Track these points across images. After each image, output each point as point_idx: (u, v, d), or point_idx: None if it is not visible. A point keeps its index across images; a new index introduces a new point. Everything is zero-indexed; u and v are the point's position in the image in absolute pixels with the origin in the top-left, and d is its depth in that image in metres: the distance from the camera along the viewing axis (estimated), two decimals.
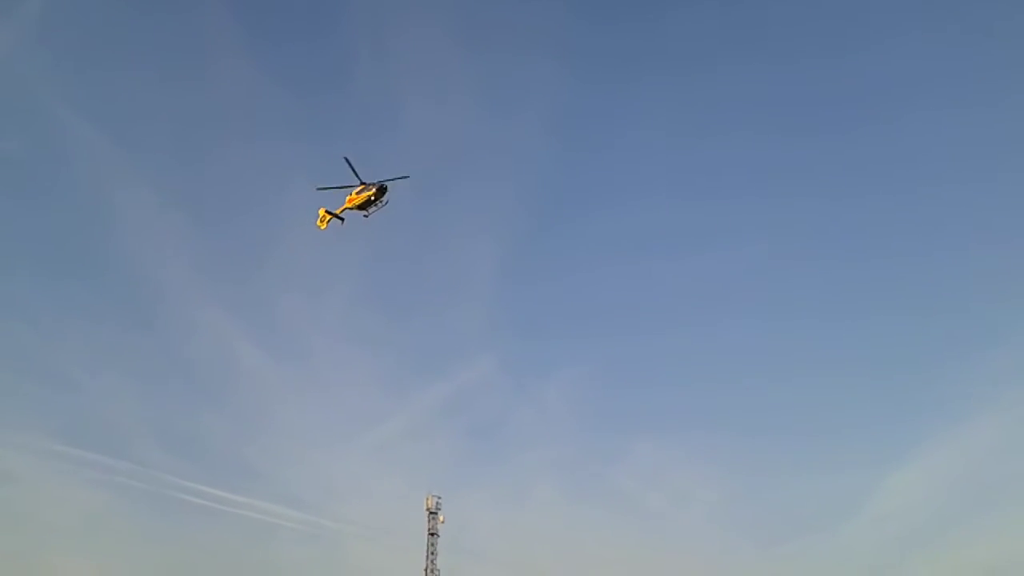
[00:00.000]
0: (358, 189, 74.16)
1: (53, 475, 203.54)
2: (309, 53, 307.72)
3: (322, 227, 78.52)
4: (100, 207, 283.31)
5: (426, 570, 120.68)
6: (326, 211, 78.15)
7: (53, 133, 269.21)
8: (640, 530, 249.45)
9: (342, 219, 77.10)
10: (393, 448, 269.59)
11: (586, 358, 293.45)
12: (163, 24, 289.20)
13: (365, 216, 74.95)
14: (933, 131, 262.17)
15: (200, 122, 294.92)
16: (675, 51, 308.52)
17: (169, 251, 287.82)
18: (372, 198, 73.48)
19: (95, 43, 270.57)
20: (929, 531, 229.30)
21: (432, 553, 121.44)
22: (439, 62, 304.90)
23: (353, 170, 71.97)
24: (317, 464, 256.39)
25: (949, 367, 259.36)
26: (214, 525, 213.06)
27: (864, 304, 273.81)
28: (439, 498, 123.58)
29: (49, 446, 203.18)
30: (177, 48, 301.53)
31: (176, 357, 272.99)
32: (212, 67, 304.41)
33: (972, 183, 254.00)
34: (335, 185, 73.36)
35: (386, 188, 73.01)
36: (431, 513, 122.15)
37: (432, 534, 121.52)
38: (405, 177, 74.16)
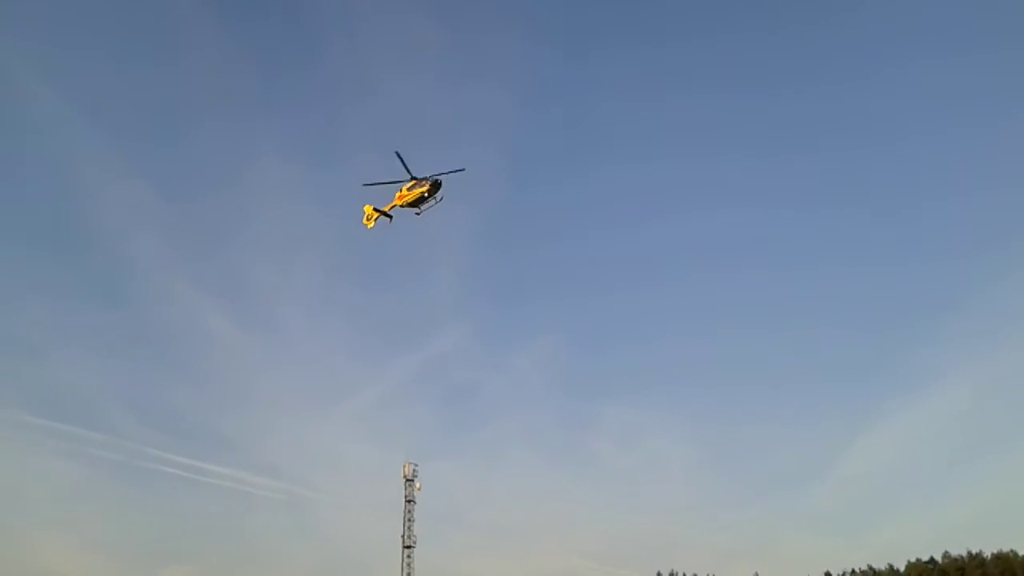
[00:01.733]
0: (409, 185, 68.74)
1: (23, 446, 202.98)
2: (280, 30, 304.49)
3: (369, 226, 73.16)
4: (69, 182, 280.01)
5: (403, 536, 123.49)
6: (373, 208, 72.80)
7: (21, 107, 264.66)
8: (614, 492, 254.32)
9: (391, 216, 72.02)
10: (368, 417, 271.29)
11: (559, 325, 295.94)
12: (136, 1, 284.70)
13: (417, 214, 69.22)
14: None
15: (171, 99, 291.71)
16: (648, 22, 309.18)
17: (140, 225, 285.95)
18: (426, 194, 67.89)
19: (68, 18, 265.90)
20: (896, 492, 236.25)
21: (409, 520, 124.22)
22: (412, 37, 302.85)
23: (404, 165, 66.73)
24: (292, 434, 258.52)
25: (919, 331, 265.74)
26: (189, 495, 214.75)
27: (836, 268, 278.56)
28: (416, 465, 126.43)
29: (19, 417, 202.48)
30: (149, 25, 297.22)
31: (149, 330, 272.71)
32: (184, 45, 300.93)
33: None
34: (383, 180, 67.69)
35: (440, 183, 67.25)
36: (408, 480, 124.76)
37: (409, 501, 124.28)
38: (461, 170, 67.38)
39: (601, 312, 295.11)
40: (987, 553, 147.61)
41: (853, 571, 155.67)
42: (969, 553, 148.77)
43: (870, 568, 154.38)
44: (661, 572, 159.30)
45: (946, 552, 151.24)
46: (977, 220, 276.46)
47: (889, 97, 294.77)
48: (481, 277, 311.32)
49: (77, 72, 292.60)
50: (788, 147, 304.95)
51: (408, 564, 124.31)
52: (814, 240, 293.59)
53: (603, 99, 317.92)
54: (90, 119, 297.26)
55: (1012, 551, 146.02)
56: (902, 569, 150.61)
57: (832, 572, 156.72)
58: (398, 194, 69.91)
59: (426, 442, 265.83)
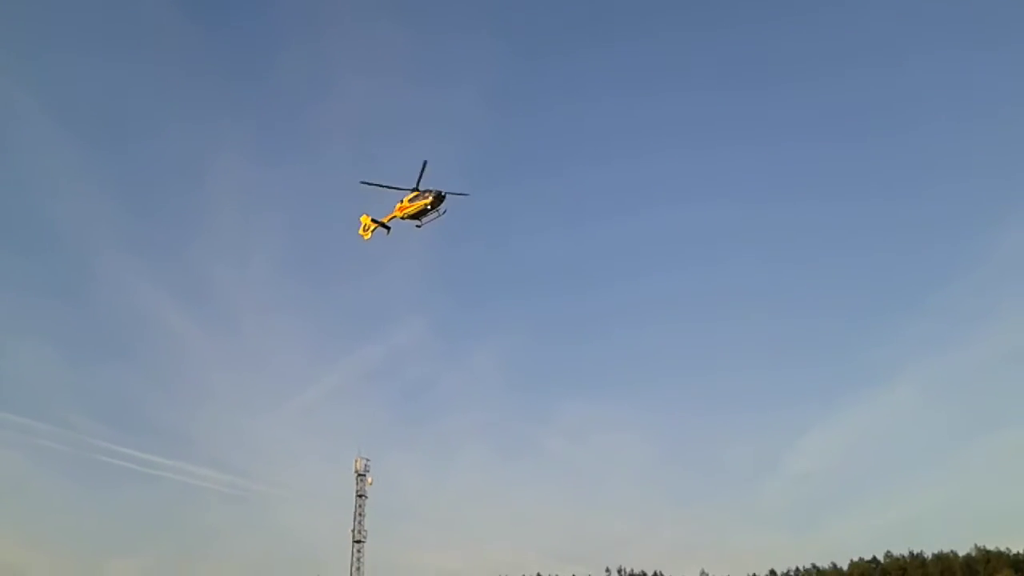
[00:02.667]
0: (410, 196, 65.51)
1: None
2: (241, 30, 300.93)
3: (366, 237, 69.49)
4: (29, 178, 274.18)
5: (353, 531, 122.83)
6: (371, 219, 69.54)
7: None
8: (567, 488, 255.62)
9: (388, 228, 69.07)
10: (321, 411, 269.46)
11: (518, 322, 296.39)
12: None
13: (418, 226, 66.43)
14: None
15: (130, 97, 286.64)
16: (614, 21, 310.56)
17: (96, 221, 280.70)
18: (428, 207, 64.78)
19: (36, 19, 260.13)
20: (843, 490, 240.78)
21: (360, 515, 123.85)
22: (374, 37, 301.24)
23: (421, 175, 63.52)
24: (245, 428, 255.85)
25: (874, 331, 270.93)
26: (139, 488, 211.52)
27: (794, 267, 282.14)
28: (368, 460, 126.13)
29: None
30: (112, 25, 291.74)
31: (104, 324, 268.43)
32: (144, 45, 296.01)
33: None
34: (382, 183, 63.86)
35: (444, 196, 64.42)
36: (359, 475, 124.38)
37: (360, 496, 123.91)
38: (465, 195, 65.59)
39: (558, 308, 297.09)
40: (928, 553, 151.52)
41: (798, 569, 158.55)
42: (911, 553, 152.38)
43: (814, 567, 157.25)
44: (610, 568, 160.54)
45: (888, 552, 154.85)
46: (936, 223, 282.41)
47: (843, 93, 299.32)
48: (439, 273, 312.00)
49: (42, 71, 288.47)
50: (741, 140, 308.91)
51: (358, 559, 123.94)
52: (774, 238, 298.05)
53: (566, 99, 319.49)
54: (54, 117, 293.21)
55: (952, 551, 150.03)
56: (845, 568, 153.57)
57: (777, 570, 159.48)
58: (399, 205, 66.59)
59: (379, 437, 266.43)
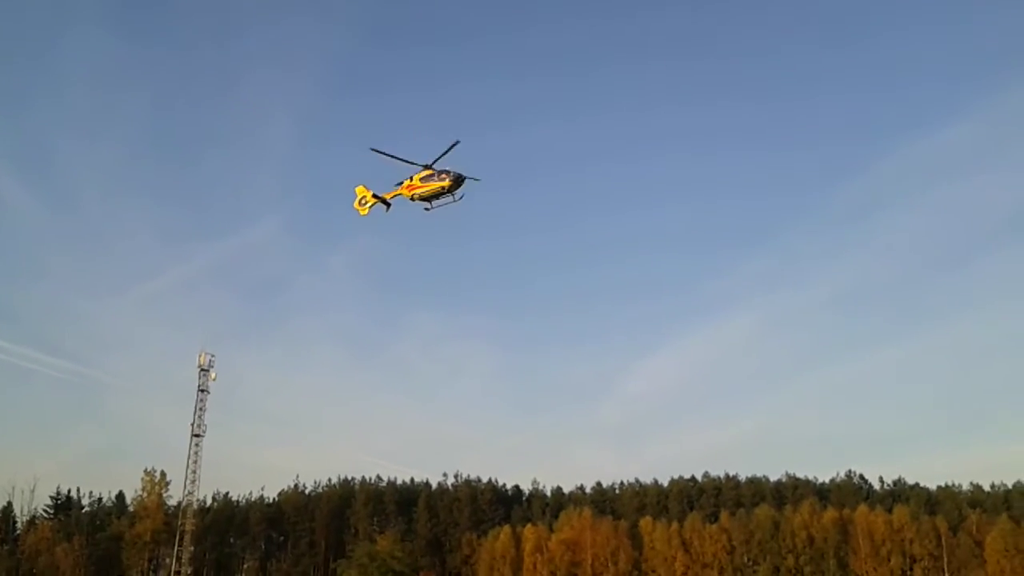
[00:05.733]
0: (423, 175, 58.18)
1: None
2: None
3: (363, 212, 61.69)
4: None
5: (192, 424, 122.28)
6: (373, 195, 61.43)
7: None
8: (415, 395, 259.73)
9: (389, 204, 61.44)
10: (167, 302, 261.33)
11: (377, 227, 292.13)
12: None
13: (427, 209, 59.41)
14: None
15: None
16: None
17: None
18: (445, 189, 57.95)
19: None
20: (670, 413, 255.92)
21: (201, 409, 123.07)
22: None
23: (445, 153, 56.19)
24: (84, 313, 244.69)
25: (717, 264, 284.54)
26: None
27: (646, 196, 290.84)
28: (212, 356, 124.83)
29: None
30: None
31: None
32: None
33: None
34: (394, 154, 56.36)
35: (464, 179, 57.52)
36: (203, 370, 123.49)
37: (202, 391, 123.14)
38: (477, 180, 58.13)
39: (418, 216, 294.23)
40: (742, 477, 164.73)
41: (623, 483, 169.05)
42: (727, 475, 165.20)
43: (637, 481, 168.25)
44: (447, 472, 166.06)
45: (706, 472, 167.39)
46: (783, 167, 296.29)
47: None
48: (303, 172, 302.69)
49: None
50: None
51: (196, 452, 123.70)
52: (627, 170, 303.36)
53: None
54: None
55: (765, 476, 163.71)
56: (666, 485, 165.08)
57: (604, 483, 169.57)
58: (407, 183, 59.02)
59: (227, 334, 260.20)
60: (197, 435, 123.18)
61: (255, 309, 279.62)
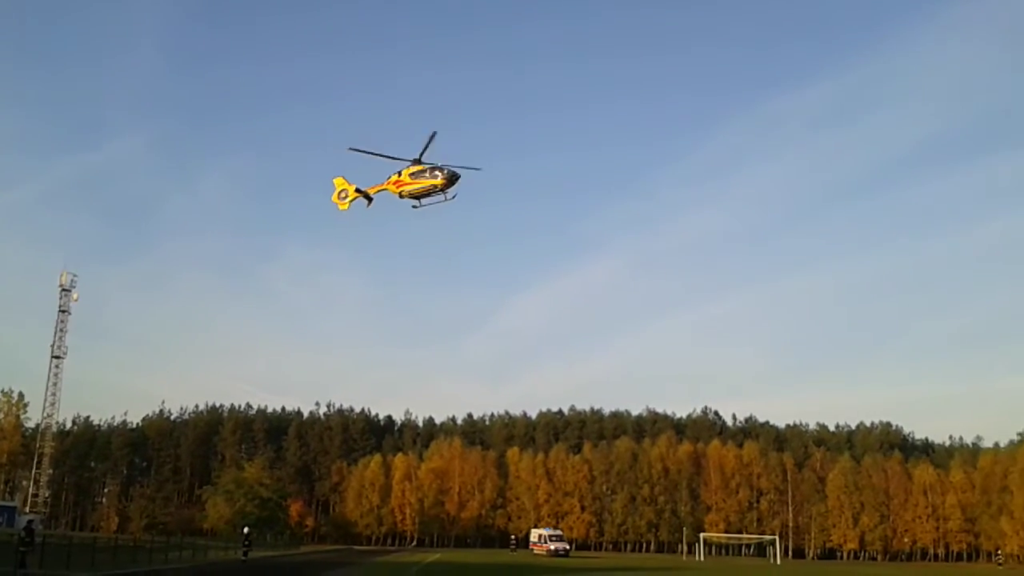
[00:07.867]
0: (413, 170, 51.71)
1: None
2: None
3: (342, 207, 54.68)
4: None
5: (52, 346, 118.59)
6: (356, 189, 54.41)
7: None
8: (286, 325, 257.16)
9: (371, 199, 54.19)
10: (24, 217, 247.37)
11: (250, 148, 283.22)
12: None
13: (415, 207, 52.92)
14: None
15: None
16: None
17: None
18: (437, 188, 51.97)
19: None
20: (538, 348, 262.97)
21: (62, 330, 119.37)
22: None
23: (427, 146, 50.02)
24: None
25: (590, 205, 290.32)
26: None
27: (525, 140, 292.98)
28: (75, 276, 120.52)
29: None
30: None
31: None
32: None
33: None
34: (375, 152, 50.64)
35: (458, 177, 51.68)
36: (64, 290, 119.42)
37: (63, 311, 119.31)
38: (478, 169, 50.96)
39: (296, 136, 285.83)
40: (606, 411, 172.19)
41: (492, 414, 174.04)
42: (591, 409, 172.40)
43: (507, 413, 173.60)
44: (319, 402, 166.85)
45: (572, 406, 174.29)
46: (655, 115, 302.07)
47: None
48: (170, 87, 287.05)
49: None
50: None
51: (56, 374, 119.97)
52: (507, 125, 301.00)
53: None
54: None
55: (627, 411, 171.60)
56: (534, 417, 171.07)
57: (475, 414, 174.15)
58: (395, 178, 52.72)
59: (91, 253, 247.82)
60: (57, 356, 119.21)
61: (122, 230, 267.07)
